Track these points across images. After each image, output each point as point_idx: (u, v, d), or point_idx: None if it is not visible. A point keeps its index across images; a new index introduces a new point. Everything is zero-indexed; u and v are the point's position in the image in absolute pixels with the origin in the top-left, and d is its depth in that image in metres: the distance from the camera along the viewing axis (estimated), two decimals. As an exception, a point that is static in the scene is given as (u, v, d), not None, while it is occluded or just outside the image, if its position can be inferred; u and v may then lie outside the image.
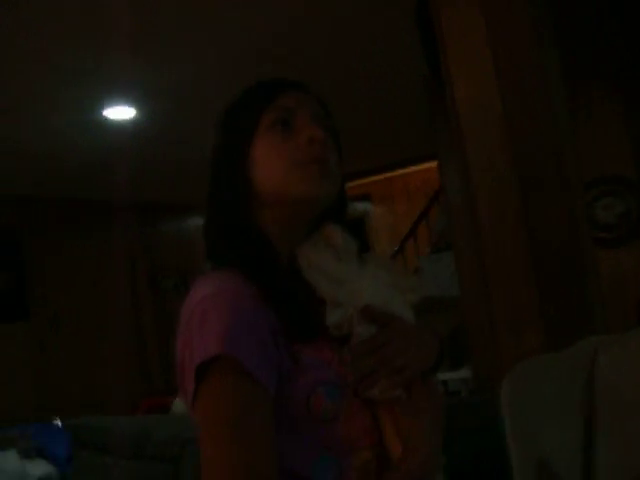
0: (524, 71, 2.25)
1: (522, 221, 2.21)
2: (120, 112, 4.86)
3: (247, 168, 1.09)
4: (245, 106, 1.13)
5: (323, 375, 0.99)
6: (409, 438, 0.99)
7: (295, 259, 1.08)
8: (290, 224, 1.10)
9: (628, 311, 4.24)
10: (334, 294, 1.02)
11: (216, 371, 0.92)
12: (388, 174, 8.96)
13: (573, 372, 1.79)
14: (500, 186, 2.27)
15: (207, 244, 1.13)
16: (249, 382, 0.91)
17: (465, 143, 2.35)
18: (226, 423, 0.91)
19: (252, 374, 0.91)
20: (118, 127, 5.13)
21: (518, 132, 2.25)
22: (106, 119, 4.94)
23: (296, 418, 0.97)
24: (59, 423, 5.60)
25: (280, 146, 1.07)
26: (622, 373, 1.71)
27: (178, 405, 4.96)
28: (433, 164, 7.14)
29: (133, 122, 5.09)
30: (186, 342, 0.96)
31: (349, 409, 0.99)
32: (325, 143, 1.08)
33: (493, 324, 2.27)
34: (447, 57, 2.38)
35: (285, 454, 0.94)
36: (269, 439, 0.92)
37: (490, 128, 2.30)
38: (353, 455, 1.00)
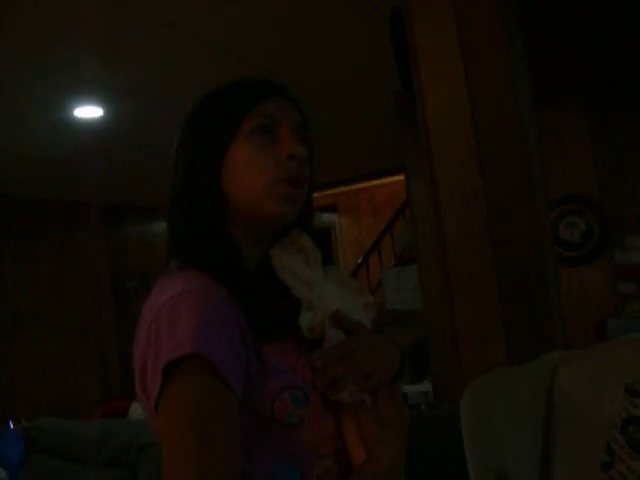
0: (495, 90, 2.28)
1: (487, 236, 2.23)
2: (88, 112, 4.81)
3: (221, 172, 1.08)
4: (225, 108, 1.10)
5: (289, 380, 0.98)
6: (373, 445, 0.99)
7: (264, 261, 1.09)
8: (257, 231, 1.10)
9: (588, 328, 4.31)
10: (308, 296, 1.02)
11: (186, 371, 0.89)
12: (355, 186, 9.00)
13: (533, 386, 1.81)
14: (467, 201, 2.29)
15: (173, 243, 1.11)
16: (220, 384, 0.89)
17: (433, 158, 2.37)
18: (193, 425, 0.88)
19: (223, 376, 0.89)
20: (86, 127, 5.08)
21: (487, 149, 2.28)
22: (75, 118, 4.88)
23: (260, 422, 0.96)
24: (12, 426, 5.49)
25: (259, 158, 1.06)
26: (580, 388, 1.73)
27: (135, 410, 4.90)
28: (399, 178, 7.19)
29: (100, 122, 5.04)
30: (150, 342, 0.93)
31: (313, 414, 0.99)
32: (304, 160, 1.08)
33: (456, 337, 2.28)
34: (419, 72, 2.40)
35: (246, 459, 0.93)
36: (236, 445, 0.90)
37: (459, 144, 2.32)
38: (315, 462, 0.99)
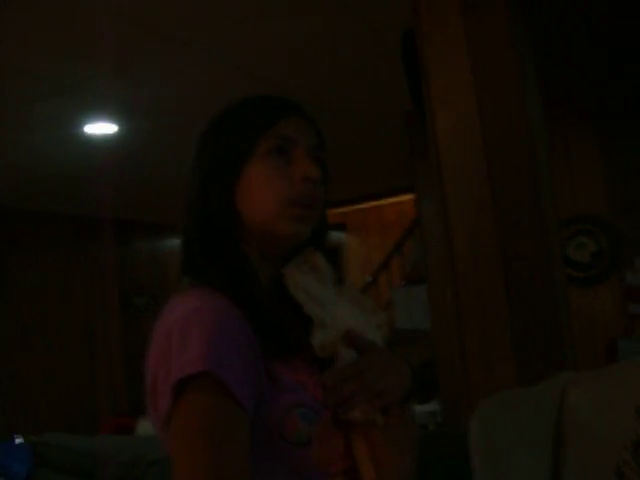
0: (506, 107, 2.28)
1: (497, 254, 2.22)
2: (101, 128, 4.84)
3: (235, 191, 1.08)
4: (242, 127, 1.09)
5: (299, 398, 0.98)
6: (383, 464, 0.98)
7: (276, 279, 1.09)
8: (270, 250, 1.11)
9: (598, 350, 4.28)
10: (320, 314, 1.02)
11: (196, 388, 0.89)
12: (363, 205, 9.01)
13: (543, 406, 1.80)
14: (477, 220, 2.29)
15: (186, 260, 1.11)
16: (230, 403, 0.89)
17: (443, 175, 2.37)
18: (205, 444, 0.88)
19: (234, 395, 0.89)
20: (99, 143, 5.12)
21: (497, 167, 2.28)
22: (87, 134, 4.91)
23: (269, 440, 0.95)
24: (19, 440, 5.49)
25: (274, 179, 1.06)
26: (590, 409, 1.72)
27: (143, 427, 4.89)
28: (408, 197, 7.20)
29: (114, 138, 5.07)
30: (161, 358, 0.93)
31: (323, 433, 0.98)
32: (318, 182, 1.08)
33: (464, 357, 2.27)
34: (430, 90, 2.41)
35: (254, 476, 0.92)
36: (246, 463, 0.89)
37: (469, 162, 2.32)
38: None
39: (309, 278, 1.06)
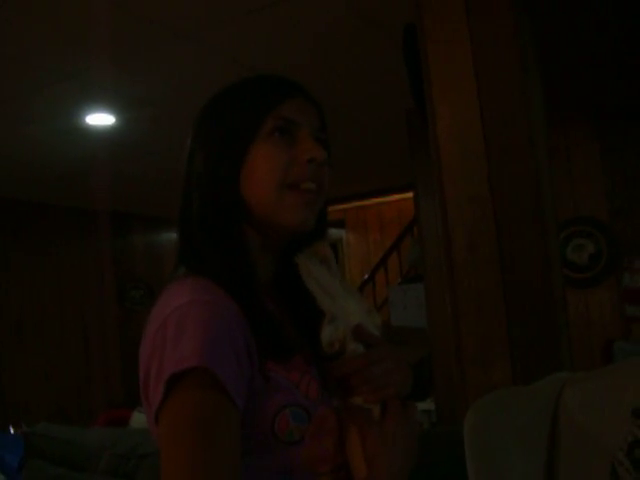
0: (507, 108, 2.27)
1: (496, 255, 2.22)
2: (99, 119, 4.82)
3: (240, 175, 1.05)
4: (244, 108, 1.07)
5: (291, 397, 0.98)
6: (374, 461, 0.98)
7: (276, 272, 1.10)
8: (272, 240, 1.09)
9: (594, 351, 4.29)
10: (331, 308, 1.02)
11: (190, 384, 0.88)
12: (363, 202, 9.01)
13: (538, 406, 1.80)
14: (476, 220, 2.28)
15: (185, 250, 1.09)
16: (224, 399, 0.89)
17: (443, 176, 2.37)
18: (194, 440, 0.87)
19: (228, 392, 0.89)
20: (97, 134, 5.10)
21: (497, 168, 2.27)
22: (87, 125, 4.90)
23: (260, 438, 0.95)
24: (12, 431, 5.48)
25: (277, 159, 1.04)
26: (586, 410, 1.72)
27: (137, 419, 4.89)
28: (407, 195, 7.20)
29: (111, 130, 5.06)
30: (155, 351, 0.92)
31: (315, 432, 0.99)
32: (324, 163, 1.07)
33: (460, 356, 2.27)
34: (431, 89, 2.40)
35: (243, 473, 0.91)
36: (237, 460, 0.89)
37: (470, 162, 2.31)
38: None
39: (321, 269, 1.06)
